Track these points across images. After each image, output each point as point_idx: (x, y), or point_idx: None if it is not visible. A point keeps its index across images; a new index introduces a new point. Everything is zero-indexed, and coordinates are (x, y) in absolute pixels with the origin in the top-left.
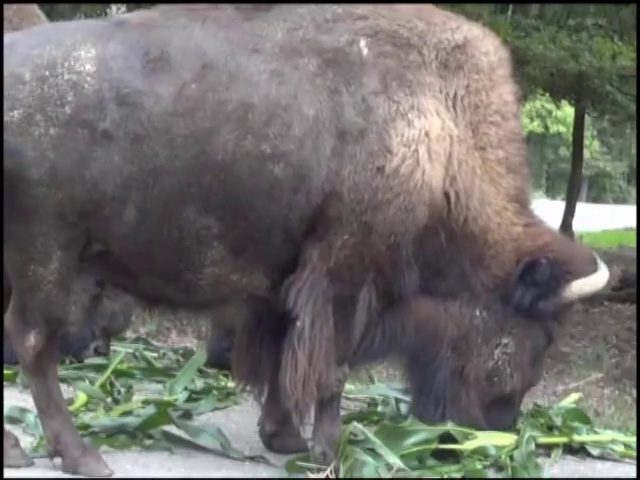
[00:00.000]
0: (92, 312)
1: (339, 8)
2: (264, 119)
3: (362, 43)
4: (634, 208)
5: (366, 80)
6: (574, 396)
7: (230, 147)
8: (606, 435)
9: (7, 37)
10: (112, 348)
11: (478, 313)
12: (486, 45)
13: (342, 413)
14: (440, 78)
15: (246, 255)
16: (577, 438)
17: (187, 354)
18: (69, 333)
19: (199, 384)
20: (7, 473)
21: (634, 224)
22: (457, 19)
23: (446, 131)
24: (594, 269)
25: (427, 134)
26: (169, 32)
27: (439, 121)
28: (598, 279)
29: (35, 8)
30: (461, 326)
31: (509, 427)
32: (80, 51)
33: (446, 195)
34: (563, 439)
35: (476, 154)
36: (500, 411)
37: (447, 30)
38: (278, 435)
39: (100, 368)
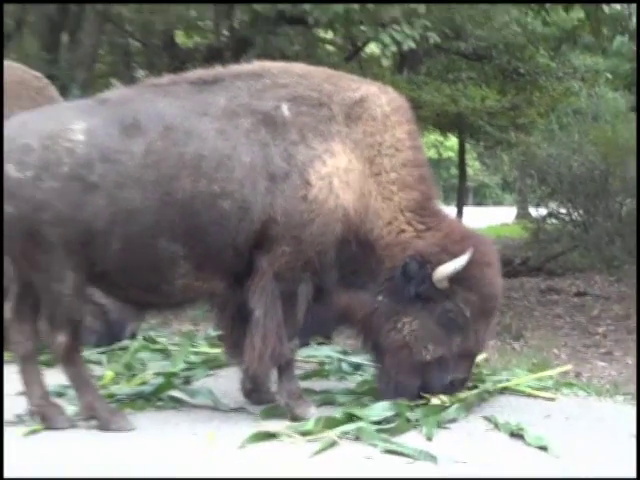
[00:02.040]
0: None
1: (268, 80)
2: (213, 166)
3: (284, 106)
4: (508, 209)
5: (288, 135)
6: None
7: (188, 188)
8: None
9: (21, 116)
10: None
11: (380, 299)
12: (381, 99)
13: (299, 372)
14: (345, 127)
15: (206, 268)
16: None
17: (186, 336)
18: (111, 320)
19: (194, 357)
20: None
21: (509, 220)
22: (359, 81)
23: (351, 166)
24: (453, 257)
25: (337, 169)
26: (139, 105)
27: (346, 159)
28: (452, 265)
29: (54, 90)
30: (366, 309)
31: (445, 387)
32: (74, 124)
33: (355, 212)
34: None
35: (371, 180)
36: (435, 374)
37: (349, 90)
38: (255, 391)
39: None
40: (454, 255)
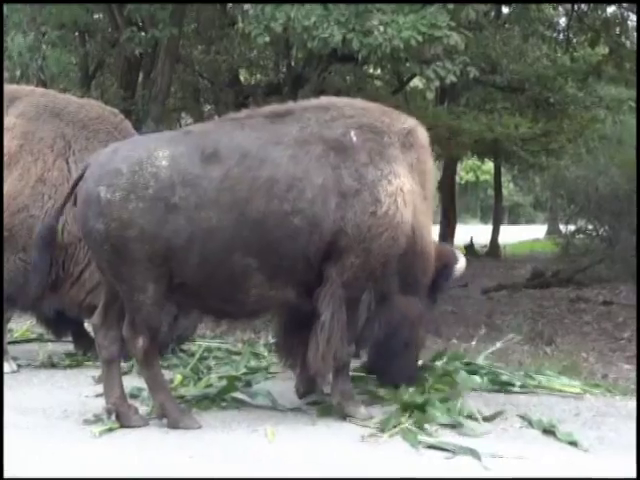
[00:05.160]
0: (172, 326)
1: (334, 112)
2: (285, 188)
3: (352, 133)
4: (540, 226)
5: (357, 157)
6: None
7: (262, 208)
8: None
9: (114, 144)
10: (198, 343)
11: (420, 300)
12: (422, 130)
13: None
14: (402, 153)
15: (278, 279)
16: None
17: (248, 343)
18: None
19: (254, 363)
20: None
21: (540, 236)
22: (404, 115)
23: (411, 187)
24: (456, 262)
25: (401, 189)
26: (219, 136)
27: (407, 180)
28: (459, 267)
29: (129, 125)
30: (416, 311)
31: None
32: (159, 152)
33: (412, 229)
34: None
35: (423, 201)
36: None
37: (401, 121)
38: (308, 393)
39: (190, 357)
40: (456, 258)
